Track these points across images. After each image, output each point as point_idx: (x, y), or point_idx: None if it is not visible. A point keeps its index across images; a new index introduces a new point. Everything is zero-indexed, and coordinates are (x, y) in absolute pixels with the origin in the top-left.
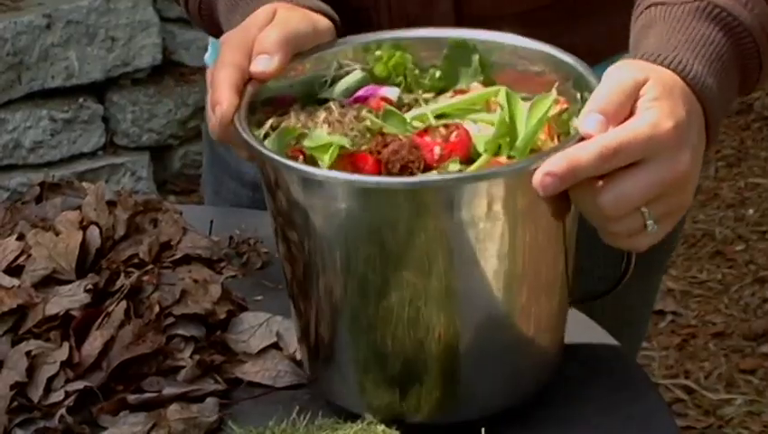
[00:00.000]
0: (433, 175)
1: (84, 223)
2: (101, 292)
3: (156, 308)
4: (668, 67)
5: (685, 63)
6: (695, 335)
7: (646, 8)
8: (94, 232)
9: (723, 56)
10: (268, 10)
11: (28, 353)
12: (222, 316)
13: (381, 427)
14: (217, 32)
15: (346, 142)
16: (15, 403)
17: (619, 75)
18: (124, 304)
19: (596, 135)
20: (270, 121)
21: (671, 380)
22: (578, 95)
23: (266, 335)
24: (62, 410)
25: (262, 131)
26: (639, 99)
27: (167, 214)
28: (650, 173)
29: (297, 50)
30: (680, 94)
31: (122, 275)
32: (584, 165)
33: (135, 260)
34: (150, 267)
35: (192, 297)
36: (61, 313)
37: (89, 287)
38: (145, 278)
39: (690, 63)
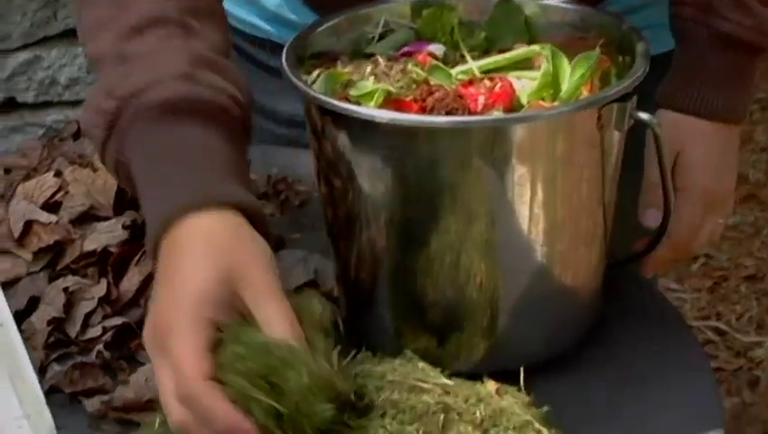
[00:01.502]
0: (476, 117)
1: None
2: (139, 229)
3: None
4: (697, 116)
5: (711, 102)
6: (726, 278)
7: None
8: None
9: (746, 72)
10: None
11: (65, 289)
12: None
13: (423, 364)
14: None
15: (392, 88)
16: (52, 339)
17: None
18: None
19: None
20: (317, 71)
21: (703, 322)
22: (620, 58)
23: (303, 273)
24: (100, 346)
25: (309, 79)
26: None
27: None
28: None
29: None
30: (713, 140)
31: None
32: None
33: None
34: None
35: None
36: (99, 249)
37: (127, 223)
38: None
39: (716, 101)
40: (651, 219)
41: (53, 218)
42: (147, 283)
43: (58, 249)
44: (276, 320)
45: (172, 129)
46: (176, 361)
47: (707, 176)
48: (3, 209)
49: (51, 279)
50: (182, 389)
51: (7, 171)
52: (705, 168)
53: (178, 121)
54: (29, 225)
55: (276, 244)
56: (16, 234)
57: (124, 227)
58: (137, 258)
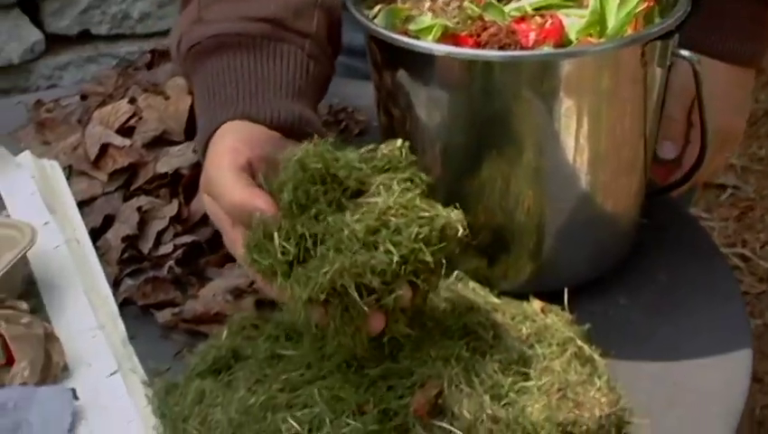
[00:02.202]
0: (527, 51)
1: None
2: None
3: None
4: (721, 60)
5: (736, 49)
6: (752, 208)
7: None
8: None
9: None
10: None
11: (139, 209)
12: None
13: (473, 283)
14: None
15: (449, 23)
16: (126, 255)
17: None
18: None
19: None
20: (378, 7)
21: (729, 249)
22: None
23: None
24: (171, 262)
25: (370, 14)
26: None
27: None
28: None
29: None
30: (729, 82)
31: None
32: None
33: None
34: None
35: None
36: (171, 172)
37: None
38: None
39: (741, 48)
40: (668, 151)
41: (128, 141)
42: None
43: (132, 171)
44: None
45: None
46: (220, 189)
47: (723, 116)
48: (80, 133)
49: (125, 199)
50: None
51: (84, 97)
52: (721, 108)
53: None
54: (105, 148)
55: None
56: (92, 156)
57: (194, 151)
58: None
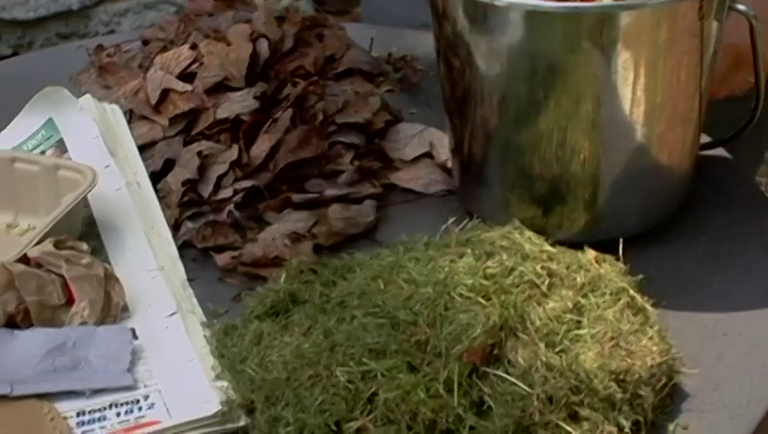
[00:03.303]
0: (587, 3)
1: (254, 36)
2: (269, 99)
3: (320, 116)
4: None
5: None
6: None
7: None
8: (263, 44)
9: None
10: None
11: (199, 153)
12: (380, 126)
13: (529, 233)
14: None
15: None
16: (186, 198)
17: None
18: (290, 111)
19: None
20: None
21: None
22: None
23: (420, 145)
24: (231, 206)
25: None
26: None
27: (332, 30)
28: None
29: None
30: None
31: (288, 85)
32: None
33: (302, 72)
34: (315, 78)
35: (354, 107)
36: (231, 117)
37: (258, 94)
38: (311, 88)
39: None
40: None
41: (189, 87)
42: (276, 149)
43: (192, 116)
44: None
45: None
46: None
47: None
48: (140, 78)
49: (186, 144)
50: None
51: (145, 43)
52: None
53: None
54: (165, 93)
55: (395, 118)
56: (153, 101)
57: (255, 97)
58: (267, 126)
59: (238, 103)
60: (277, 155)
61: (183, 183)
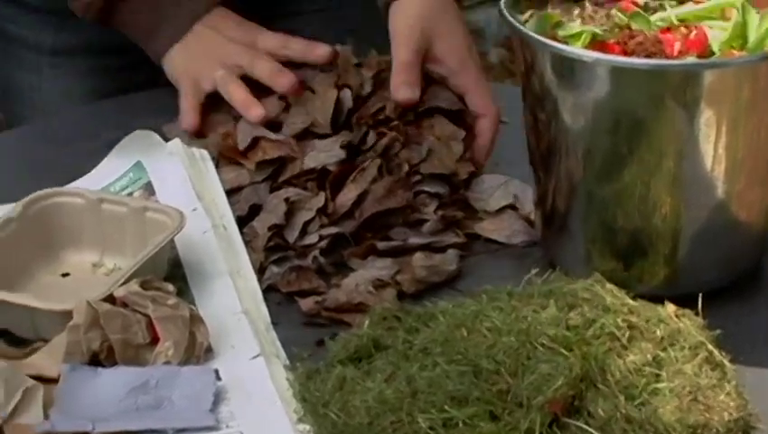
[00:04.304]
0: (672, 61)
1: (338, 83)
2: (354, 148)
3: (406, 166)
4: None
5: None
6: None
7: None
8: (347, 93)
9: None
10: None
11: (287, 200)
12: (464, 177)
13: (610, 286)
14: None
15: (597, 30)
16: (272, 243)
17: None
18: (378, 161)
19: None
20: (530, 12)
21: None
22: None
23: (504, 196)
24: (316, 252)
25: (522, 18)
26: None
27: None
28: None
29: None
30: None
31: (371, 133)
32: None
33: (382, 116)
34: (395, 123)
35: (437, 156)
36: (319, 167)
37: (344, 143)
38: (393, 134)
39: None
40: (404, 92)
41: (280, 136)
42: (362, 198)
43: (279, 163)
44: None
45: None
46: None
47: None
48: (231, 124)
49: (272, 190)
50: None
51: None
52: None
53: None
54: (256, 140)
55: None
56: (242, 147)
57: (341, 147)
58: (354, 175)
59: (325, 152)
60: (364, 204)
61: (270, 229)
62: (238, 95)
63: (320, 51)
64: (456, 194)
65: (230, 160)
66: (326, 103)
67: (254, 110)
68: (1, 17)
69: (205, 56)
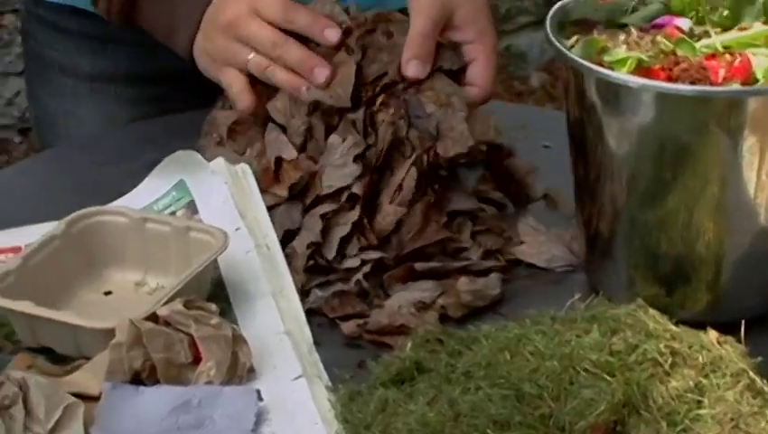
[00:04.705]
0: (717, 87)
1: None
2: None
3: (418, 151)
4: None
5: None
6: None
7: None
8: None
9: None
10: None
11: (322, 216)
12: (481, 138)
13: (653, 311)
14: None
15: (643, 56)
16: (312, 262)
17: None
18: (413, 172)
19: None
20: (576, 38)
21: None
22: None
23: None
24: (359, 276)
25: (569, 43)
26: None
27: (399, 25)
28: None
29: None
30: None
31: (380, 112)
32: None
33: (387, 80)
34: (399, 86)
35: (447, 128)
36: (333, 190)
37: (356, 153)
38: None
39: None
40: (414, 69)
41: (294, 154)
42: (401, 223)
43: (306, 181)
44: None
45: None
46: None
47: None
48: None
49: (307, 208)
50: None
51: None
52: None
53: None
54: (279, 162)
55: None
56: (272, 170)
57: (354, 160)
58: (391, 197)
59: (339, 170)
60: (401, 232)
61: (308, 247)
62: (280, 76)
63: (329, 36)
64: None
65: (263, 188)
66: (346, 76)
67: (312, 78)
68: (37, 42)
69: (220, 40)
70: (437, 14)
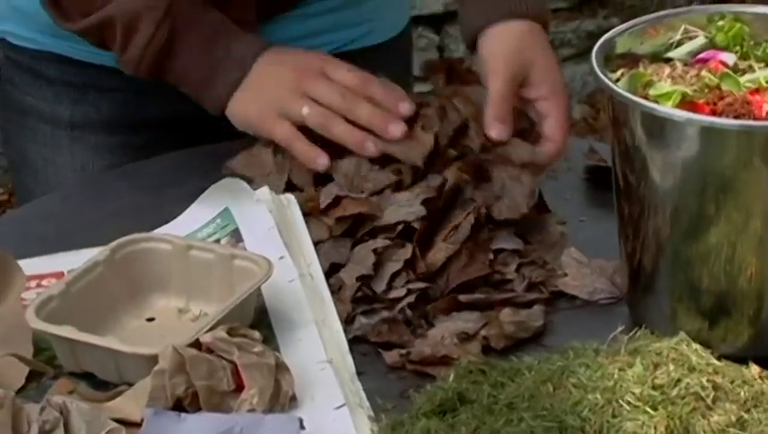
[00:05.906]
0: (761, 122)
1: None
2: (435, 204)
3: (479, 207)
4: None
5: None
6: None
7: None
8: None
9: None
10: None
11: (375, 250)
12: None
13: (696, 345)
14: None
15: (687, 90)
16: (360, 293)
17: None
18: (469, 219)
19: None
20: (621, 71)
21: None
22: None
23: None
24: (404, 303)
25: (614, 76)
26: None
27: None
28: None
29: None
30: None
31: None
32: None
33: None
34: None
35: (509, 195)
36: (394, 223)
37: (424, 198)
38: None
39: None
40: (500, 132)
41: (362, 195)
42: (451, 259)
43: (357, 218)
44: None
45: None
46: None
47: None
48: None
49: (355, 244)
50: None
51: None
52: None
53: None
54: (338, 200)
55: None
56: (323, 206)
57: (422, 203)
58: (446, 234)
59: (406, 208)
60: (449, 269)
61: (358, 279)
62: (341, 129)
63: (403, 109)
64: (530, 245)
65: (310, 215)
66: (424, 147)
67: (368, 144)
68: (17, 89)
69: (279, 93)
70: (514, 74)
